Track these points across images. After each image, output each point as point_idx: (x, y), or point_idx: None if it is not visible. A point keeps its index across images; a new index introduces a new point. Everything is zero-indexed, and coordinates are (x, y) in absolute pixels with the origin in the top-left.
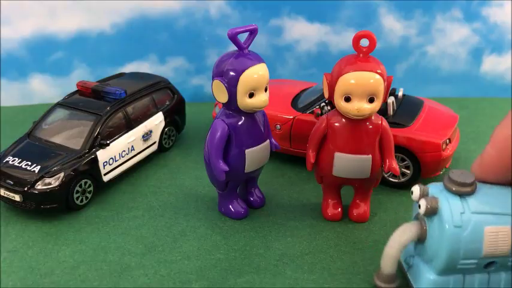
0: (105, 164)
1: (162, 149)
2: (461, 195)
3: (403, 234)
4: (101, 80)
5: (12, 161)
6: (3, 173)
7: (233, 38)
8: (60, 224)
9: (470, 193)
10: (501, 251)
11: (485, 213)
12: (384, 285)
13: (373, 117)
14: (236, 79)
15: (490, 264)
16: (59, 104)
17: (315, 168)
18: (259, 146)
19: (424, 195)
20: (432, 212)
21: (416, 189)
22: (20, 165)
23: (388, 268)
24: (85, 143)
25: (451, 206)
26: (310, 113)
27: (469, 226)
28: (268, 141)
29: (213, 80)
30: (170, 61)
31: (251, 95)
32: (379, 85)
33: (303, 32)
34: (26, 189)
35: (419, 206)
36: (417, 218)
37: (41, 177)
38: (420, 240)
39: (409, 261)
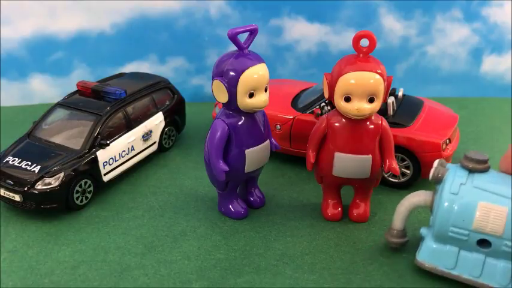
0: (105, 164)
1: (162, 149)
2: (471, 170)
3: (414, 196)
4: (101, 80)
5: (12, 161)
6: (3, 173)
7: (233, 38)
8: (60, 224)
9: (481, 170)
10: (492, 229)
11: (485, 191)
12: (393, 240)
13: (373, 117)
14: (236, 79)
15: (483, 242)
16: (59, 104)
17: (315, 168)
18: (259, 146)
19: (441, 166)
20: (438, 179)
21: (437, 161)
22: (20, 165)
23: (397, 223)
24: (85, 143)
25: (455, 177)
26: (310, 113)
27: (465, 197)
28: (268, 141)
29: (213, 80)
30: (170, 61)
31: (251, 95)
32: (379, 85)
33: (303, 32)
34: (26, 189)
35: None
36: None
37: (41, 177)
38: (430, 209)
39: (423, 233)
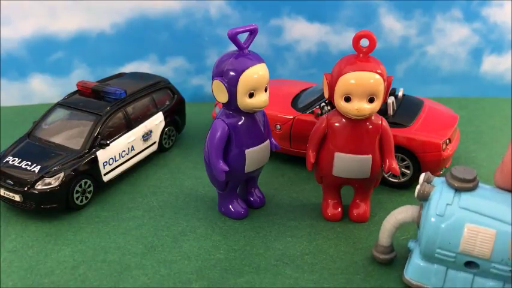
0: (105, 164)
1: (162, 149)
2: (457, 190)
3: (400, 213)
4: (101, 80)
5: (12, 161)
6: (3, 173)
7: (233, 38)
8: (60, 224)
9: (468, 189)
10: (480, 252)
11: (472, 212)
12: (380, 256)
13: (373, 117)
14: (236, 79)
15: (470, 264)
16: (59, 104)
17: (315, 168)
18: (259, 146)
19: (427, 181)
20: (423, 197)
21: (423, 175)
22: (20, 165)
23: (383, 240)
24: (85, 143)
25: (441, 196)
26: (310, 113)
27: (451, 218)
28: (268, 141)
29: (213, 80)
30: (170, 61)
31: (251, 95)
32: (379, 85)
33: (303, 32)
34: (26, 189)
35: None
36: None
37: (41, 177)
38: (417, 225)
39: (411, 246)
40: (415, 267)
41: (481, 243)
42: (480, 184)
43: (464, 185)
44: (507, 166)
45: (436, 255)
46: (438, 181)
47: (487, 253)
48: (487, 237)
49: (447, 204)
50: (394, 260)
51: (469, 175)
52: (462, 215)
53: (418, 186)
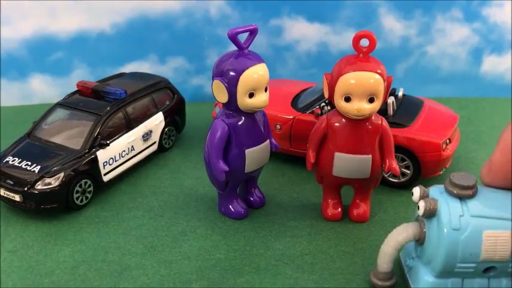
0: (105, 164)
1: (162, 149)
2: (461, 198)
3: (400, 234)
4: (101, 80)
5: (12, 161)
6: (3, 173)
7: (233, 38)
8: (60, 224)
9: (471, 196)
10: (500, 256)
11: (485, 217)
12: (380, 283)
13: (373, 117)
14: (236, 79)
15: (489, 269)
16: (59, 104)
17: (315, 168)
18: (259, 146)
19: (424, 196)
20: (431, 213)
21: (416, 191)
22: (20, 165)
23: (384, 265)
24: (85, 143)
25: (450, 209)
26: (310, 113)
27: (468, 229)
28: (268, 141)
29: (213, 80)
30: (170, 61)
31: (251, 95)
32: (379, 85)
33: (303, 32)
34: (26, 189)
35: (418, 208)
36: (417, 219)
37: (41, 177)
38: (419, 241)
39: (409, 263)
40: (426, 285)
41: (501, 247)
42: (478, 187)
43: (468, 192)
44: (495, 165)
45: (456, 269)
46: (436, 192)
47: (507, 255)
48: (504, 240)
49: (460, 216)
50: (395, 286)
51: (470, 181)
52: (477, 223)
53: (421, 204)
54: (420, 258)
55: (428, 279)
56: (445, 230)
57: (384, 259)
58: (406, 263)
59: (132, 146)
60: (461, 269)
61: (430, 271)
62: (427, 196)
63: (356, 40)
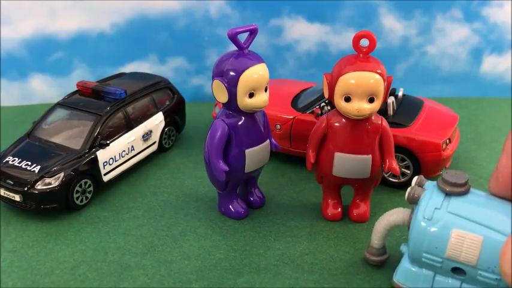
0: (105, 164)
1: (162, 149)
2: (448, 194)
3: (392, 215)
4: (101, 80)
5: (12, 161)
6: (3, 173)
7: (233, 38)
8: (60, 224)
9: (459, 194)
10: (465, 258)
11: (460, 217)
12: (372, 258)
13: (373, 117)
14: (236, 79)
15: (456, 270)
16: (59, 104)
17: (315, 168)
18: (259, 146)
19: (419, 185)
20: (412, 200)
21: (415, 178)
22: (20, 165)
23: (375, 242)
24: (85, 143)
25: (430, 200)
26: (310, 113)
27: (439, 223)
28: (268, 141)
29: (213, 80)
30: (170, 61)
31: (251, 95)
32: (379, 85)
33: (303, 32)
34: (26, 189)
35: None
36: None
37: (41, 177)
38: (408, 228)
39: (402, 249)
40: (403, 271)
41: (467, 249)
42: (472, 189)
43: (455, 190)
44: (503, 173)
45: (423, 259)
46: (430, 185)
47: (474, 260)
48: (473, 244)
49: (435, 208)
50: (386, 262)
51: (460, 179)
52: (450, 219)
53: (408, 189)
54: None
55: (406, 265)
56: (418, 217)
57: (376, 235)
58: (400, 248)
59: (132, 146)
60: (428, 260)
61: (407, 257)
62: (422, 185)
63: (356, 40)
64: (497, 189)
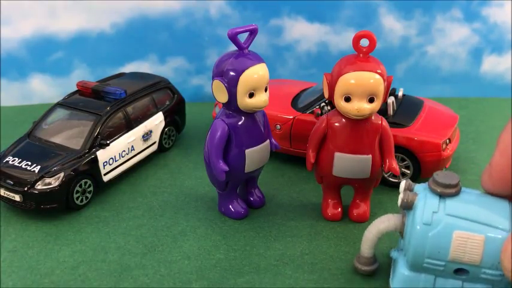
0: (105, 164)
1: (162, 149)
2: (442, 196)
3: (382, 222)
4: (101, 80)
5: (12, 161)
6: (3, 173)
7: (233, 38)
8: (60, 224)
9: (452, 195)
10: (470, 258)
11: (459, 218)
12: (362, 268)
13: (373, 117)
14: (236, 79)
15: (460, 270)
16: (59, 104)
17: (315, 168)
18: (259, 146)
19: (408, 189)
20: (407, 206)
21: (403, 183)
22: (20, 165)
23: (365, 251)
24: (85, 143)
25: (426, 204)
26: (310, 113)
27: (439, 226)
28: (268, 141)
29: (213, 80)
30: (170, 61)
31: (251, 95)
32: (379, 85)
33: (303, 32)
34: (26, 189)
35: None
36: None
37: (41, 177)
38: (401, 234)
39: (393, 255)
40: (401, 278)
41: (470, 249)
42: (463, 188)
43: (448, 191)
44: (496, 170)
45: (424, 265)
46: (420, 188)
47: (477, 259)
48: (476, 243)
49: (433, 212)
50: (376, 271)
51: (452, 180)
52: (449, 222)
53: (400, 195)
54: (402, 251)
55: (404, 272)
56: (417, 223)
57: (366, 244)
58: (391, 254)
59: (132, 146)
60: (430, 265)
61: (405, 263)
62: (412, 190)
63: (356, 40)
64: (490, 185)
